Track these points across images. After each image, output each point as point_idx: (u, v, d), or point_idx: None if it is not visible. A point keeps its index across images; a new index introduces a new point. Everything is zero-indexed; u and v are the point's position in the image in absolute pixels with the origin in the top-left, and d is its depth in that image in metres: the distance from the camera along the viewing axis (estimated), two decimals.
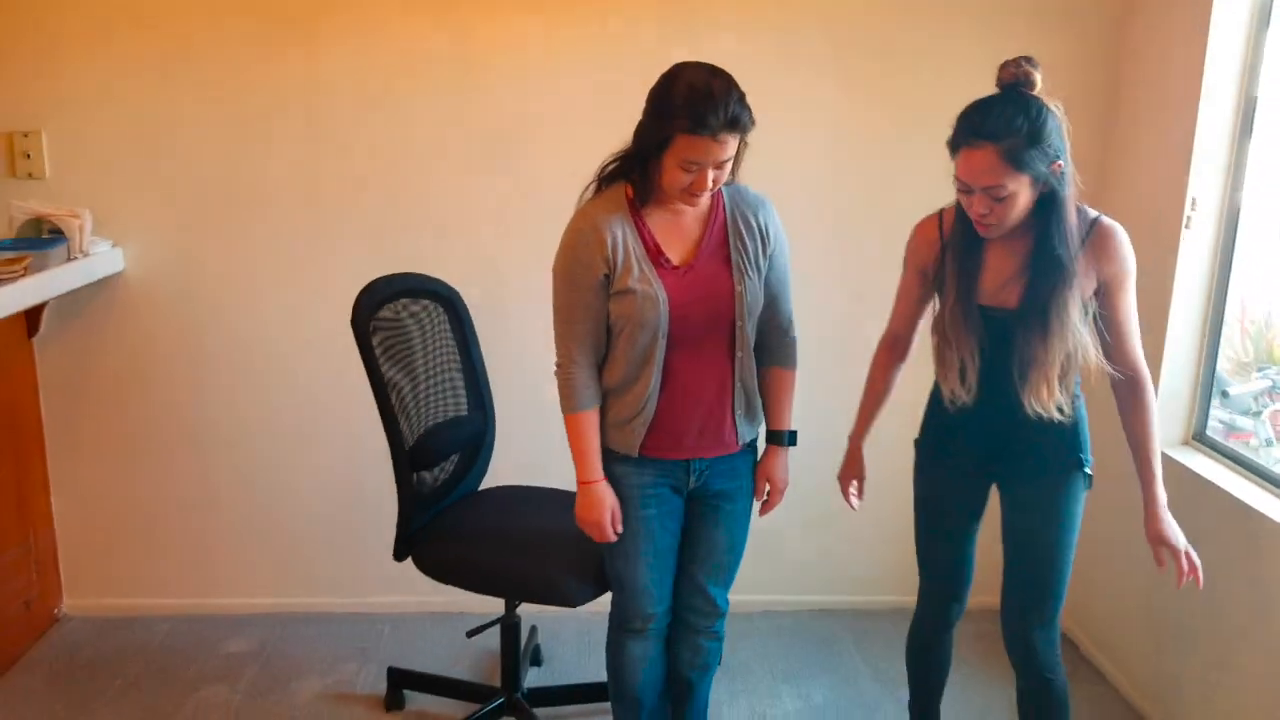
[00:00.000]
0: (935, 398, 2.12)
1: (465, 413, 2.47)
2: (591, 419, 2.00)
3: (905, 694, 2.69)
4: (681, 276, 1.94)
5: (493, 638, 2.78)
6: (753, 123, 1.84)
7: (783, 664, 2.87)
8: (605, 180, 1.98)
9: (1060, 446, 2.02)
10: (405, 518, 2.25)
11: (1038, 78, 1.84)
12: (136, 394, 2.91)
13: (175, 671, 2.75)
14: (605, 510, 2.01)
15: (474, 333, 2.50)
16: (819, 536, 3.05)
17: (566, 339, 1.97)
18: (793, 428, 2.15)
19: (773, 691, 2.73)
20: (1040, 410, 1.91)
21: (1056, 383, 1.90)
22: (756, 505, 2.18)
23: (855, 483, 2.25)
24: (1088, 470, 2.03)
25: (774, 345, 2.09)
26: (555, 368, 2.00)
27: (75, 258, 2.64)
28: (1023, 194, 1.82)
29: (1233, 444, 2.59)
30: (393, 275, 2.34)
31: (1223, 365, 2.73)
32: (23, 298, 2.46)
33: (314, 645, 2.89)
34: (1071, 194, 1.87)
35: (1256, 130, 2.45)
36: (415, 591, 2.95)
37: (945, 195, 2.00)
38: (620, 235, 1.91)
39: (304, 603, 3.06)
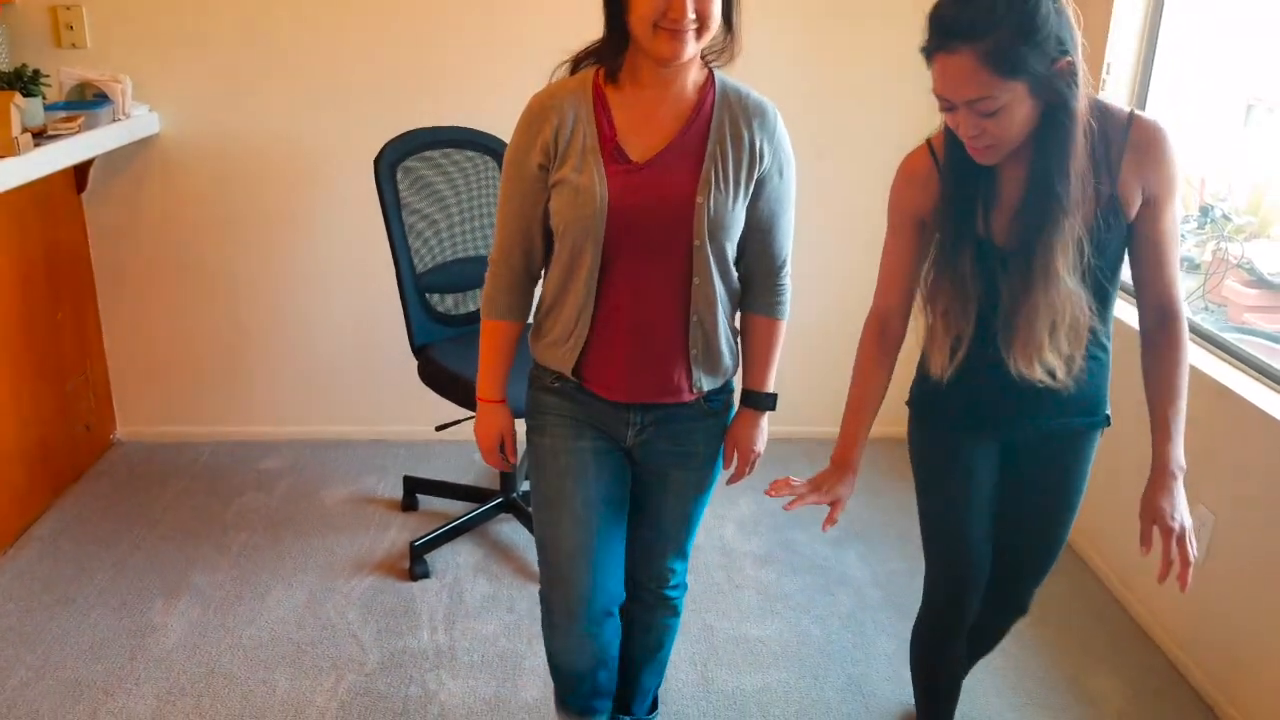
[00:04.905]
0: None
1: None
2: (501, 331, 1.75)
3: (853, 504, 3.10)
4: (632, 174, 1.58)
5: None
6: None
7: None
8: (579, 64, 1.66)
9: (1080, 404, 1.67)
10: (410, 328, 2.64)
11: None
12: (174, 243, 3.26)
13: (219, 483, 3.19)
14: (495, 433, 1.80)
15: None
16: (780, 375, 3.43)
17: (498, 236, 1.71)
18: (772, 390, 1.80)
19: (733, 500, 3.17)
20: (1024, 373, 1.56)
21: (1046, 340, 1.53)
22: (725, 475, 1.86)
23: (837, 503, 1.75)
24: (1109, 424, 1.74)
25: (760, 288, 1.73)
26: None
27: (119, 119, 2.97)
28: (1019, 105, 1.42)
29: None
30: (433, 128, 2.69)
31: (1189, 246, 3.00)
32: (77, 151, 2.78)
33: (338, 464, 3.32)
34: (1082, 106, 1.44)
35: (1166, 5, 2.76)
36: (427, 421, 3.37)
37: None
38: (571, 119, 1.59)
39: (328, 430, 3.47)
